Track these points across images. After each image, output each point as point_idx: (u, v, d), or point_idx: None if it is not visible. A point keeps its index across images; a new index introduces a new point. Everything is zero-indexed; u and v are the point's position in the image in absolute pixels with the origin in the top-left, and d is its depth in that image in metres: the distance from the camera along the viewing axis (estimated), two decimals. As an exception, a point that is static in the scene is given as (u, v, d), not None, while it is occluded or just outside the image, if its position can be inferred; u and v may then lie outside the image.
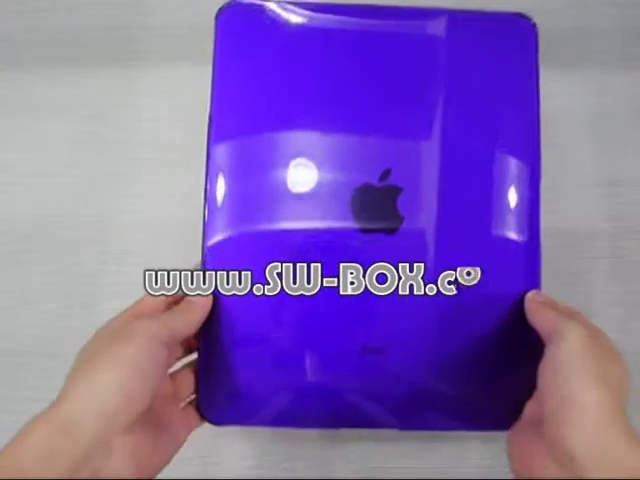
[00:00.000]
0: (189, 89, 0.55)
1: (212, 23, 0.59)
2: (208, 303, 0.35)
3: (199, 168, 0.54)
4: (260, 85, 0.37)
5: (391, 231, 0.34)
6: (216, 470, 0.46)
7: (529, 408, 0.33)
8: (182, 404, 0.35)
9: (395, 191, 0.34)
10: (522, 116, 0.38)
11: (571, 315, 0.32)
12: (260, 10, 0.38)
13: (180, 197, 0.51)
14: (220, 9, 0.40)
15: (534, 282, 0.37)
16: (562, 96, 0.54)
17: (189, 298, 0.35)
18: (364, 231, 0.34)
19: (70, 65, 0.56)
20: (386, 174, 0.34)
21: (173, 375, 0.36)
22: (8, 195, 0.52)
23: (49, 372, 0.48)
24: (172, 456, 0.32)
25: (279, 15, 0.38)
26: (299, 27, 0.37)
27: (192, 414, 0.35)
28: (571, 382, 0.27)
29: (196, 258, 0.51)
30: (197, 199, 0.54)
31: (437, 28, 0.36)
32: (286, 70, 0.37)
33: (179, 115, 0.54)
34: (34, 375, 0.48)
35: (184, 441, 0.33)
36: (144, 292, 0.50)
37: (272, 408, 0.35)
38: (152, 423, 0.30)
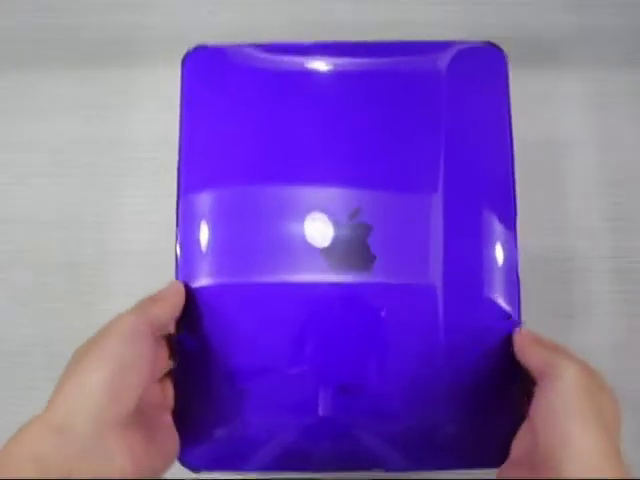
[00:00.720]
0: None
1: (212, 23, 0.59)
2: (181, 287, 0.36)
3: (199, 168, 0.54)
4: (228, 129, 0.37)
5: (364, 269, 0.33)
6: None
7: (517, 446, 0.32)
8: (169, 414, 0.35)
9: (366, 229, 0.34)
10: (495, 148, 0.38)
11: (559, 351, 0.32)
12: (226, 53, 0.38)
13: (180, 197, 0.51)
14: (186, 54, 0.39)
15: (515, 318, 0.36)
16: (562, 96, 0.54)
17: (162, 288, 0.36)
18: (338, 272, 0.33)
19: (70, 65, 0.56)
20: (355, 213, 0.34)
21: (161, 383, 0.35)
22: (8, 195, 0.52)
23: (49, 372, 0.48)
24: (174, 455, 0.32)
25: (245, 57, 0.37)
26: (264, 69, 0.37)
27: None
28: (570, 425, 0.27)
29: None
30: (197, 199, 0.54)
31: (404, 63, 0.35)
32: (252, 112, 0.36)
33: (179, 115, 0.54)
34: (34, 375, 0.48)
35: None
36: (144, 292, 0.50)
37: (254, 452, 0.34)
38: (147, 424, 0.30)
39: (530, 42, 0.56)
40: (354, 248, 0.34)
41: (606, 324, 0.48)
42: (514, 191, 0.37)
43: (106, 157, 0.53)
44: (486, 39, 0.56)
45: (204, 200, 0.36)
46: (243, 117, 0.36)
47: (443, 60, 0.36)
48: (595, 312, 0.48)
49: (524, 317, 0.50)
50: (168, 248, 0.51)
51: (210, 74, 0.38)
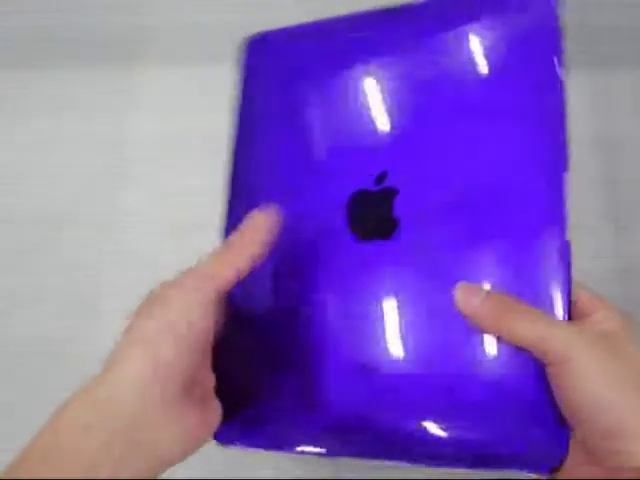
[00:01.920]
0: (189, 89, 0.55)
1: (211, 23, 0.59)
2: (263, 225, 0.29)
3: (199, 168, 0.54)
4: (285, 110, 0.36)
5: (387, 236, 0.32)
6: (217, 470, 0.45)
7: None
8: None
9: (391, 194, 0.33)
10: (542, 108, 0.29)
11: (550, 320, 0.26)
12: (282, 37, 0.39)
13: (180, 196, 0.51)
14: (246, 43, 0.40)
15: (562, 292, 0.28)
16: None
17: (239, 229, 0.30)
18: (362, 239, 0.33)
19: (71, 65, 0.56)
20: (382, 177, 0.33)
21: None
22: (8, 195, 0.52)
23: (49, 372, 0.48)
24: (217, 426, 0.29)
25: (300, 40, 0.38)
26: (319, 48, 0.37)
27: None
28: (612, 413, 0.22)
29: (194, 258, 0.51)
30: (197, 198, 0.54)
31: (449, 26, 0.32)
32: (310, 91, 0.36)
33: (179, 115, 0.54)
34: (34, 375, 0.48)
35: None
36: (144, 292, 0.50)
37: (290, 429, 0.32)
38: (196, 394, 0.28)
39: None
40: (378, 213, 0.32)
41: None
42: (564, 159, 0.28)
43: (106, 157, 0.53)
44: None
45: (255, 182, 0.36)
46: (302, 93, 0.36)
47: (485, 18, 0.32)
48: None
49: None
50: (168, 248, 0.51)
51: (269, 63, 0.39)
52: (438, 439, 0.28)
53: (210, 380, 0.30)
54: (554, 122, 0.28)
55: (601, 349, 0.24)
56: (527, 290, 0.28)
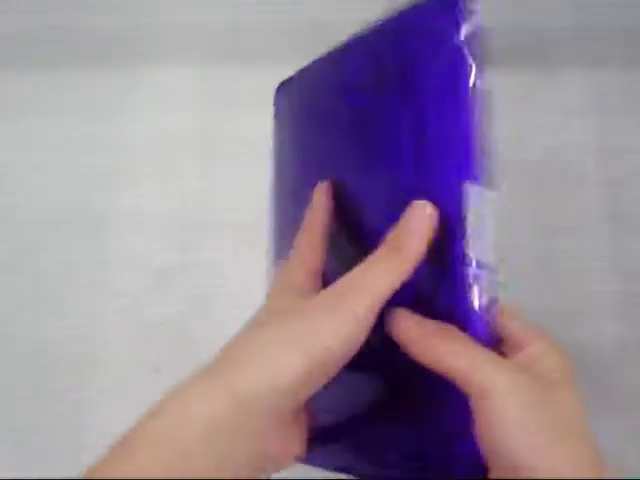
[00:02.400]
0: (189, 89, 0.55)
1: (211, 23, 0.59)
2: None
3: (199, 168, 0.54)
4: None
5: None
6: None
7: None
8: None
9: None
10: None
11: (474, 352, 0.23)
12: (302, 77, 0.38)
13: (180, 197, 0.51)
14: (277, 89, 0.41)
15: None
16: (562, 96, 0.54)
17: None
18: None
19: (70, 65, 0.56)
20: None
21: None
22: (8, 195, 0.52)
23: (49, 372, 0.48)
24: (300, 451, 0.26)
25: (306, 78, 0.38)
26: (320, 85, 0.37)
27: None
28: (523, 463, 0.21)
29: (196, 257, 0.51)
30: (196, 198, 0.54)
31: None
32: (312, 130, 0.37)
33: (179, 115, 0.54)
34: (33, 375, 0.48)
35: None
36: (144, 292, 0.50)
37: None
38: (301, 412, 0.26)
39: (530, 42, 0.56)
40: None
41: (606, 324, 0.48)
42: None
43: (106, 157, 0.53)
44: (485, 38, 0.56)
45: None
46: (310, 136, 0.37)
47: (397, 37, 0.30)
48: (595, 312, 0.48)
49: (526, 317, 0.50)
50: (167, 247, 0.51)
51: (289, 104, 0.39)
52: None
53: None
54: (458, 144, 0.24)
55: (524, 391, 0.22)
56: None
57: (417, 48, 0.27)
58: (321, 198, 0.30)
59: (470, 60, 0.24)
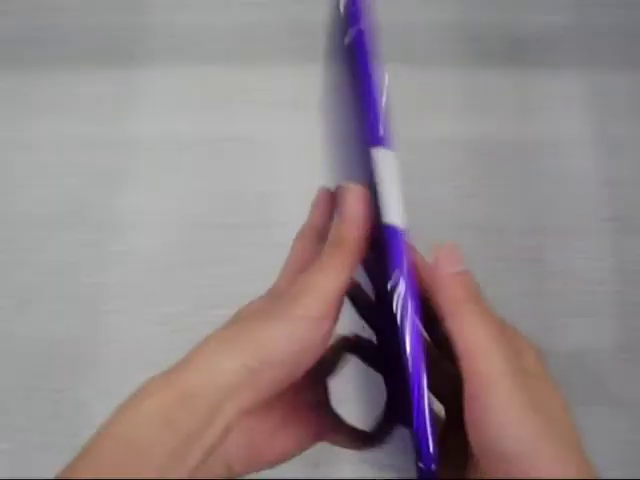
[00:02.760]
0: (189, 89, 0.55)
1: (211, 23, 0.59)
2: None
3: (199, 167, 0.54)
4: None
5: None
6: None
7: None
8: (327, 410, 0.29)
9: None
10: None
11: (496, 339, 0.23)
12: None
13: (180, 197, 0.51)
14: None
15: None
16: (562, 96, 0.54)
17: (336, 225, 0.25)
18: None
19: (70, 65, 0.56)
20: None
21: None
22: (8, 195, 0.52)
23: (48, 372, 0.48)
24: (289, 457, 0.27)
25: None
26: None
27: (331, 424, 0.29)
28: (523, 462, 0.21)
29: (195, 257, 0.51)
30: (196, 198, 0.54)
31: None
32: None
33: (179, 115, 0.54)
34: (33, 375, 0.48)
35: (308, 448, 0.28)
36: (144, 292, 0.50)
37: None
38: (279, 414, 0.26)
39: (530, 42, 0.56)
40: None
41: (606, 324, 0.48)
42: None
43: (106, 157, 0.53)
44: (484, 38, 0.56)
45: None
46: None
47: None
48: (595, 312, 0.48)
49: (525, 316, 0.50)
50: (168, 247, 0.51)
51: None
52: None
53: (305, 408, 0.27)
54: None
55: (516, 377, 0.22)
56: None
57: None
58: (357, 208, 0.25)
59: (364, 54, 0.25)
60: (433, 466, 0.23)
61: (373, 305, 0.31)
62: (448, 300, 0.23)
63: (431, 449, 0.23)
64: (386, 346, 0.28)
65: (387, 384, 0.30)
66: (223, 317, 0.29)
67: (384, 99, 0.24)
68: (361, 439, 0.30)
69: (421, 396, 0.22)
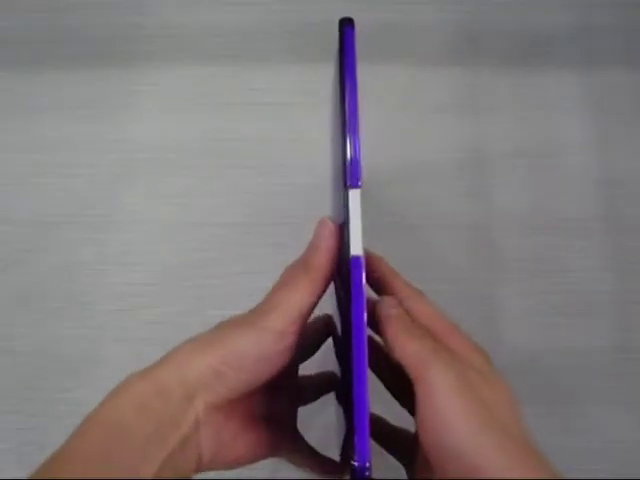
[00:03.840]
0: (189, 89, 0.55)
1: (211, 23, 0.59)
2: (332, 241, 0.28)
3: (198, 168, 0.54)
4: None
5: None
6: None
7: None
8: (288, 430, 0.32)
9: None
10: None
11: (431, 345, 0.26)
12: None
13: (179, 197, 0.51)
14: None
15: None
16: (562, 96, 0.54)
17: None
18: None
19: (70, 65, 0.56)
20: None
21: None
22: (8, 195, 0.52)
23: (48, 372, 0.48)
24: (250, 461, 0.29)
25: None
26: None
27: (288, 443, 0.32)
28: (465, 452, 0.23)
29: (195, 258, 0.51)
30: (196, 199, 0.54)
31: None
32: None
33: (179, 115, 0.54)
34: (33, 375, 0.48)
35: (263, 458, 0.30)
36: (144, 292, 0.50)
37: None
38: (240, 421, 0.28)
39: (530, 42, 0.56)
40: None
41: (606, 324, 0.48)
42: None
43: (106, 157, 0.53)
44: (485, 38, 0.56)
45: None
46: None
47: None
48: (595, 312, 0.48)
49: (524, 317, 0.50)
50: (168, 248, 0.51)
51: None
52: None
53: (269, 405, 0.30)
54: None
55: (457, 376, 0.24)
56: None
57: None
58: (327, 240, 0.28)
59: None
60: (367, 464, 0.24)
61: (340, 339, 0.33)
62: (390, 335, 0.27)
63: (366, 446, 0.24)
64: (345, 377, 0.30)
65: (346, 417, 0.32)
66: (223, 317, 0.29)
67: (358, 139, 0.26)
68: (322, 465, 0.33)
69: (362, 393, 0.24)
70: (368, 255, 0.29)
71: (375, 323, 0.28)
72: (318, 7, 0.56)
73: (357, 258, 0.25)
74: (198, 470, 0.26)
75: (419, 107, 0.53)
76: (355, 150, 0.26)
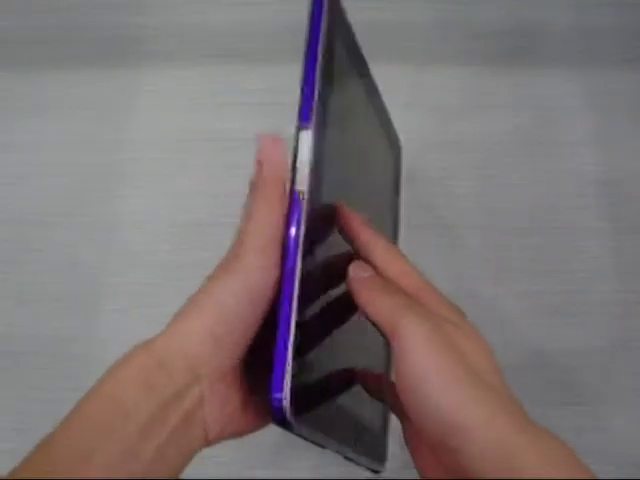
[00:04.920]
0: (189, 89, 0.55)
1: (211, 23, 0.59)
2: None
3: (198, 168, 0.54)
4: None
5: None
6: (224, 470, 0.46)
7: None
8: None
9: None
10: None
11: (404, 302, 0.25)
12: None
13: (179, 197, 0.51)
14: None
15: None
16: (563, 96, 0.54)
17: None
18: None
19: (70, 65, 0.56)
20: None
21: None
22: (8, 195, 0.52)
23: (48, 372, 0.48)
24: (264, 424, 0.28)
25: None
26: None
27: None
28: (444, 408, 0.22)
29: (195, 257, 0.51)
30: (196, 199, 0.54)
31: None
32: None
33: (179, 115, 0.54)
34: (33, 375, 0.48)
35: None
36: (144, 292, 0.50)
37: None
38: (249, 380, 0.27)
39: (530, 42, 0.56)
40: None
41: (606, 324, 0.48)
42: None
43: (106, 157, 0.53)
44: (485, 37, 0.56)
45: None
46: None
47: None
48: (595, 312, 0.48)
49: (525, 315, 0.50)
50: (168, 248, 0.51)
51: None
52: None
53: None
54: None
55: (431, 330, 0.24)
56: None
57: None
58: (273, 152, 0.27)
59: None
60: (281, 395, 0.23)
61: None
62: (363, 297, 0.26)
63: (285, 376, 0.23)
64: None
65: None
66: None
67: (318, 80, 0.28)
68: None
69: (286, 323, 0.24)
70: (341, 206, 0.29)
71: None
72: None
73: (296, 193, 0.25)
74: (206, 445, 0.26)
75: (417, 107, 0.54)
76: (307, 88, 0.27)
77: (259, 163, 0.27)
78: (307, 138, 0.26)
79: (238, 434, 0.27)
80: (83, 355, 0.47)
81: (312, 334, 0.26)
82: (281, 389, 0.23)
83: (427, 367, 0.23)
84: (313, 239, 0.26)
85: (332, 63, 0.31)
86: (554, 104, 0.54)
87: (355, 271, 0.27)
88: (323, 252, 0.27)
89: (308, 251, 0.25)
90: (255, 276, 0.25)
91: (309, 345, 0.25)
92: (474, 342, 0.25)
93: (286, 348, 0.23)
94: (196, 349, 0.25)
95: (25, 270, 0.51)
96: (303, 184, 0.25)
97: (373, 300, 0.26)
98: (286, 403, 0.23)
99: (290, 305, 0.24)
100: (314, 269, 0.26)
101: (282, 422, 0.23)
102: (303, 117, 0.26)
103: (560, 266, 0.49)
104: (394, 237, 0.41)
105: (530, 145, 0.53)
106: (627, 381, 0.46)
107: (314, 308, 0.26)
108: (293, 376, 0.23)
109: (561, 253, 0.50)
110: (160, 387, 0.24)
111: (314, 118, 0.26)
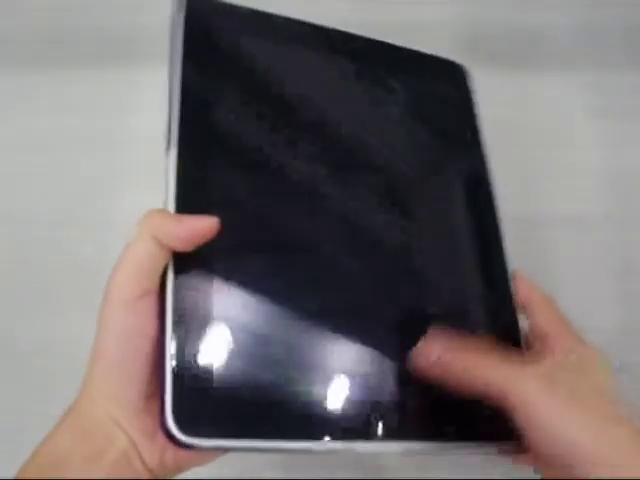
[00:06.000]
0: (189, 89, 0.55)
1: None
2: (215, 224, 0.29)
3: (199, 168, 0.54)
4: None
5: None
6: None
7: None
8: None
9: None
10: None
11: (505, 369, 0.25)
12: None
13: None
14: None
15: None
16: (563, 96, 0.54)
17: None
18: None
19: (70, 65, 0.56)
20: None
21: None
22: (8, 195, 0.52)
23: (48, 372, 0.48)
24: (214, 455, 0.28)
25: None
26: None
27: None
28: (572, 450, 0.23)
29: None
30: (197, 199, 0.54)
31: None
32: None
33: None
34: (33, 375, 0.48)
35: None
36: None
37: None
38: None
39: (530, 42, 0.56)
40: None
41: (606, 323, 0.48)
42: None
43: (106, 157, 0.53)
44: (485, 38, 0.56)
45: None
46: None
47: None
48: (595, 312, 0.48)
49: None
50: (168, 248, 0.51)
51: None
52: None
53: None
54: None
55: (552, 392, 0.24)
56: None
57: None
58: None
59: None
60: (169, 421, 0.23)
61: None
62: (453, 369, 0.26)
63: (165, 397, 0.23)
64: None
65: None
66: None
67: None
68: None
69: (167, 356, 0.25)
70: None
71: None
72: (319, 8, 0.56)
73: None
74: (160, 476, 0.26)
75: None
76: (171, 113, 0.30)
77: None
78: (172, 158, 0.29)
79: (186, 464, 0.27)
80: (83, 355, 0.47)
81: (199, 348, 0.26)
82: (163, 411, 0.23)
83: (553, 426, 0.23)
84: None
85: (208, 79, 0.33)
86: (554, 103, 0.54)
87: (426, 353, 0.26)
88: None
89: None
90: (149, 299, 0.28)
91: (201, 357, 0.26)
92: (589, 382, 0.26)
93: (164, 368, 0.24)
94: (103, 382, 0.28)
95: (25, 269, 0.51)
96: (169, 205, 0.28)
97: (474, 369, 0.25)
98: (170, 422, 0.23)
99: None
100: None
101: (175, 442, 0.23)
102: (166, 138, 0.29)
103: (560, 265, 0.49)
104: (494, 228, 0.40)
105: (530, 144, 0.53)
106: (626, 381, 0.46)
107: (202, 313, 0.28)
108: (178, 394, 0.23)
109: (561, 251, 0.50)
110: (93, 435, 0.25)
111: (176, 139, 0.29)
